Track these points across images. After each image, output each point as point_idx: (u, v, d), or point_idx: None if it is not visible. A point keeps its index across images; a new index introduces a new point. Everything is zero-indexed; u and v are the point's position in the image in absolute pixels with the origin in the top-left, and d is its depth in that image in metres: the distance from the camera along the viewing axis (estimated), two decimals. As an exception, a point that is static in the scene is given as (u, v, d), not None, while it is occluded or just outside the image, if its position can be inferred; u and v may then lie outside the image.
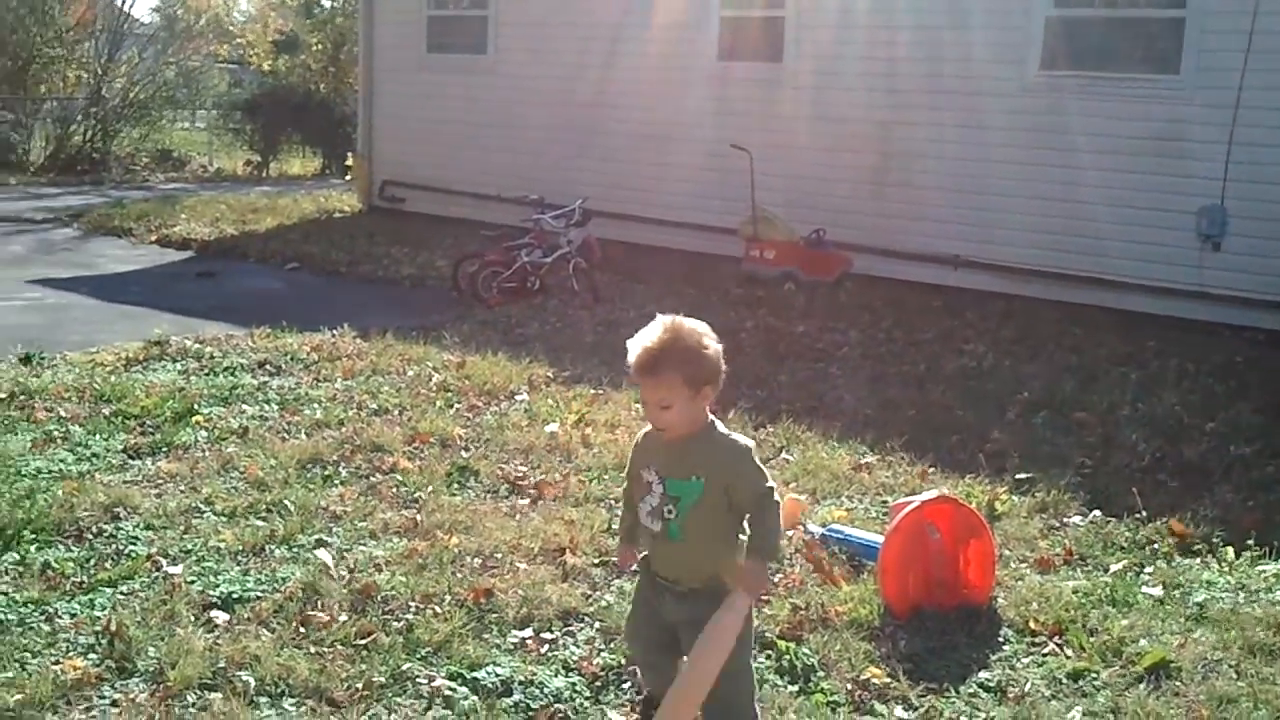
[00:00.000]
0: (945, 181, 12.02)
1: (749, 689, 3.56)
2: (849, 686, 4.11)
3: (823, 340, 9.80)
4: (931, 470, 6.43)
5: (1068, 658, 4.38)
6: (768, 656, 4.25)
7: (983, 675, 4.25)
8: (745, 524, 3.43)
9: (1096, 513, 5.87)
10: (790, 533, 5.28)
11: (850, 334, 10.01)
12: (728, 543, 3.43)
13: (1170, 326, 10.38)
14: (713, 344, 3.36)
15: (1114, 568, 5.25)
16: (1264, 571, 5.22)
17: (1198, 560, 5.38)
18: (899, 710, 3.98)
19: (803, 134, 12.93)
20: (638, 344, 3.35)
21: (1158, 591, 5.00)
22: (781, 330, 10.06)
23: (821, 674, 4.18)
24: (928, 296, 11.41)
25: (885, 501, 5.89)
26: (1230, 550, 5.39)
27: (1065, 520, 5.82)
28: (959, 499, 5.14)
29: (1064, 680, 4.21)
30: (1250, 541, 5.43)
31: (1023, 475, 6.30)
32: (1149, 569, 5.27)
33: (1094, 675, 4.24)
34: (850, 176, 12.57)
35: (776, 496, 3.40)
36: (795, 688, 4.08)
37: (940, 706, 4.00)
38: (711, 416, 3.44)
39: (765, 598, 4.58)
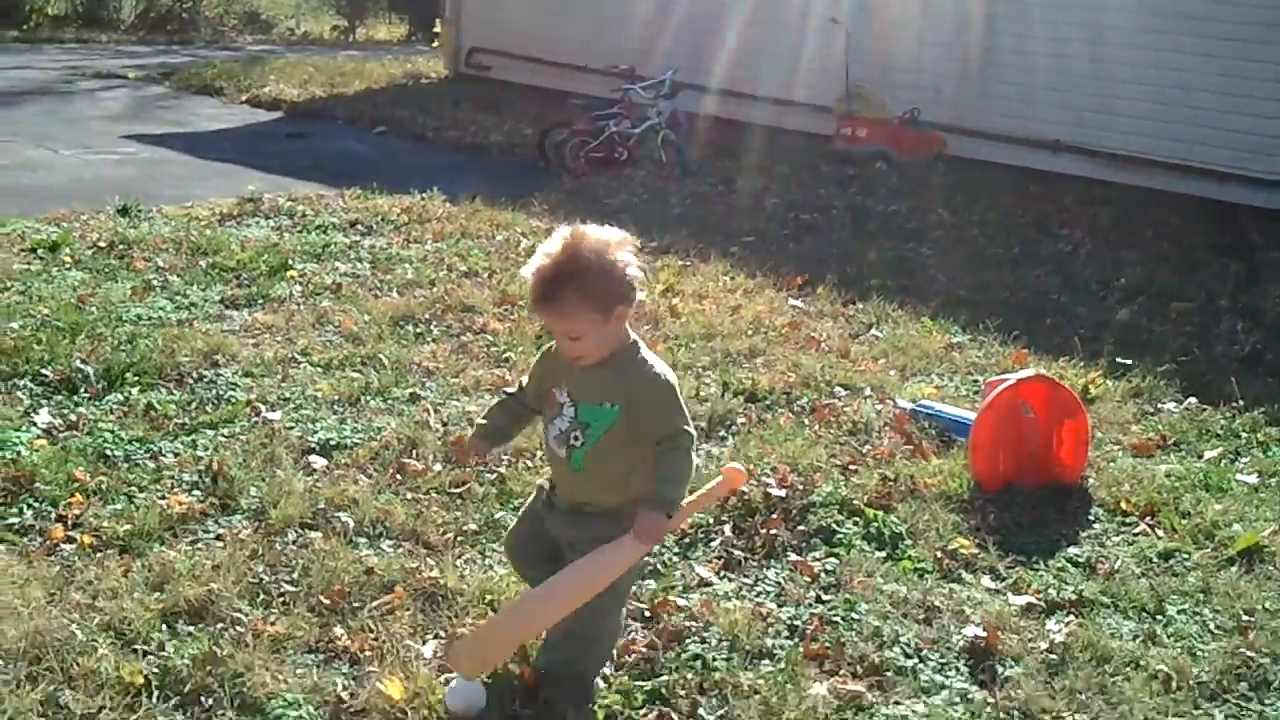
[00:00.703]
0: (1049, 63, 11.63)
1: (613, 633, 3.31)
2: (936, 555, 4.12)
3: (914, 220, 9.65)
4: (1025, 352, 6.35)
5: (1159, 538, 4.35)
6: (855, 523, 4.27)
7: (1071, 551, 4.23)
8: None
9: (1192, 400, 5.78)
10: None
11: (943, 215, 9.84)
12: (635, 477, 3.06)
13: (1273, 220, 10.07)
14: (623, 255, 2.94)
15: (1208, 454, 5.18)
16: (1364, 464, 5.12)
17: (1295, 451, 5.29)
18: (986, 580, 3.99)
19: (900, 8, 12.57)
20: (535, 269, 2.94)
21: (1253, 479, 4.94)
22: (872, 209, 9.93)
23: (909, 542, 4.19)
24: (1024, 180, 11.15)
25: (976, 381, 5.84)
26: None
27: (1160, 406, 5.74)
28: (1054, 379, 5.08)
29: (1154, 559, 4.19)
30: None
31: (1118, 361, 6.19)
32: (1244, 458, 5.21)
33: (1185, 556, 4.21)
34: (949, 55, 12.23)
35: (693, 445, 3.05)
36: (882, 554, 4.10)
37: (1028, 578, 4.01)
38: (634, 336, 3.06)
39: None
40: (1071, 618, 3.77)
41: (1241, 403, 5.69)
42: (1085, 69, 11.41)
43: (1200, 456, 5.17)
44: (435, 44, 19.84)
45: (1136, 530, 4.42)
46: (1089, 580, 4.03)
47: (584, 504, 3.16)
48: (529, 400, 3.26)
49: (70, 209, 8.18)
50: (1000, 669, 3.47)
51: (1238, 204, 10.41)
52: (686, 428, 3.04)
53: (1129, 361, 6.18)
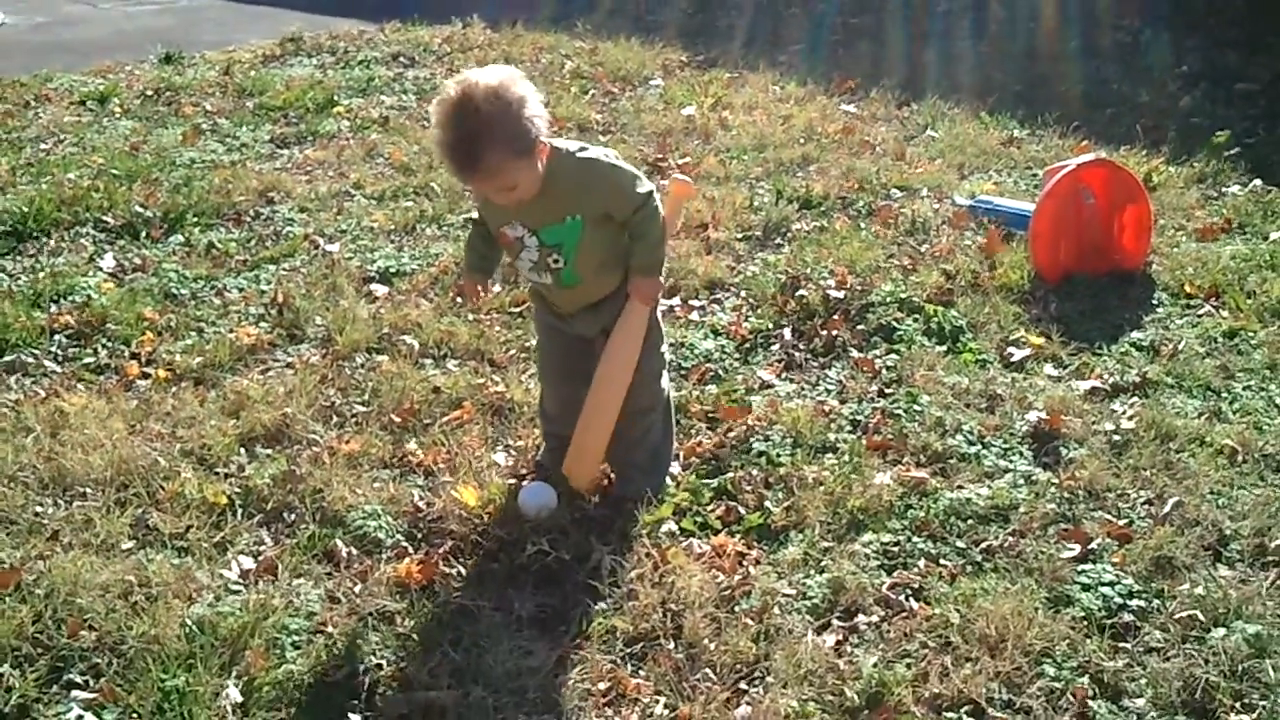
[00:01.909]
0: None
1: (668, 438, 3.36)
2: (998, 345, 4.12)
3: (967, 17, 9.35)
4: (1085, 143, 6.20)
5: (1223, 318, 4.30)
6: (914, 320, 4.26)
7: (1135, 335, 4.21)
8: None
9: (1258, 182, 5.63)
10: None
11: (999, 11, 9.51)
12: (625, 252, 3.12)
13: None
14: (516, 90, 2.78)
15: (1274, 235, 5.07)
16: None
17: (1366, 226, 5.17)
18: (1049, 368, 3.99)
19: None
20: (443, 141, 2.80)
21: (1321, 257, 4.84)
22: (923, 7, 9.61)
23: (970, 335, 4.19)
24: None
25: (1035, 175, 5.73)
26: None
27: (1224, 190, 5.61)
28: (1116, 162, 4.97)
29: (1219, 339, 4.15)
30: None
31: (1182, 151, 6.04)
32: (1312, 237, 5.10)
33: (1250, 334, 4.16)
34: None
35: (655, 199, 3.06)
36: (943, 347, 4.10)
37: (1091, 363, 4.00)
38: (552, 142, 2.92)
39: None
40: (1135, 399, 3.77)
41: (1311, 183, 5.55)
42: None
43: (1266, 238, 5.06)
44: None
45: (1201, 312, 4.37)
46: (1153, 363, 4.01)
47: (593, 302, 3.19)
48: (497, 241, 3.18)
49: (114, 60, 8.18)
50: (1064, 451, 3.49)
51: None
52: (644, 189, 3.05)
53: (1192, 147, 6.01)
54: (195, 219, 5.28)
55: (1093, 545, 3.05)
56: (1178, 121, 6.56)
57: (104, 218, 5.24)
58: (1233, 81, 7.38)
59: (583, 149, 3.04)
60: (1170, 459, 3.43)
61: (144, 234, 5.12)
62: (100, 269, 4.80)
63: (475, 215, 3.27)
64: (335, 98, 7.14)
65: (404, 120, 6.74)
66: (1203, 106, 6.91)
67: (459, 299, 4.34)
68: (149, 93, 7.32)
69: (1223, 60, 7.85)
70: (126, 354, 4.12)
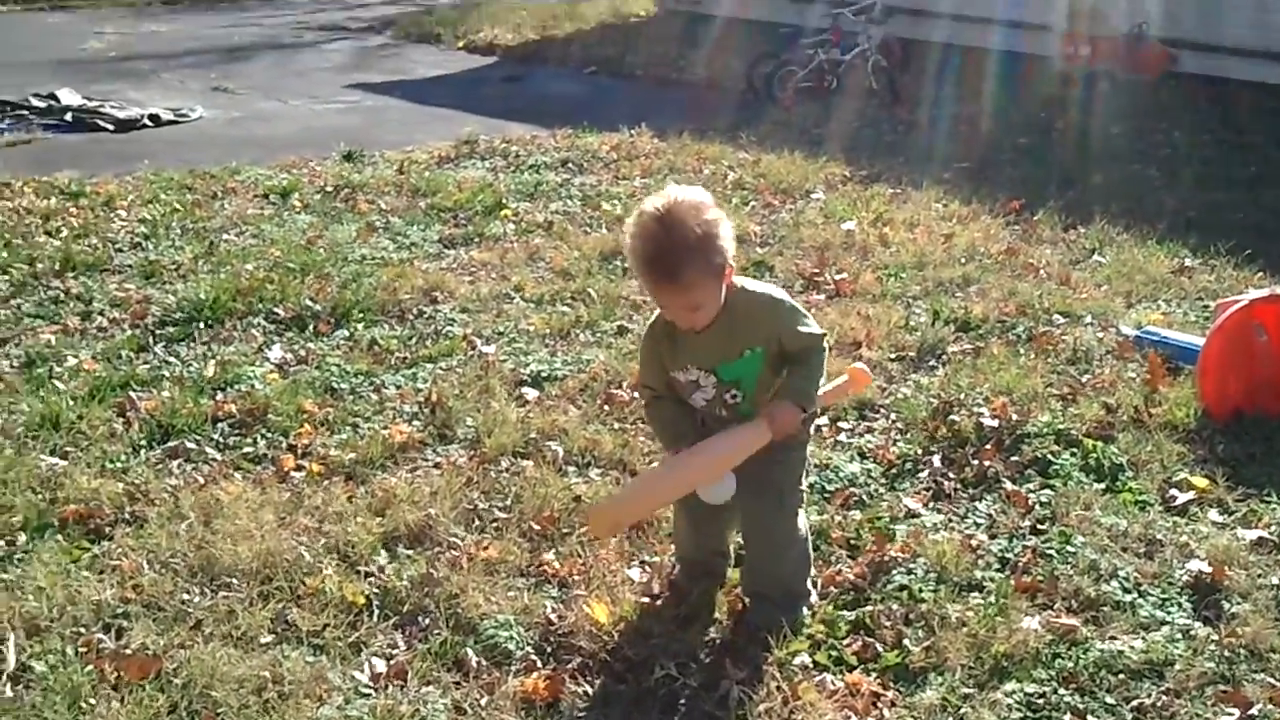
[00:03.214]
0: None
1: (803, 555, 3.28)
2: (1159, 486, 3.95)
3: (1141, 141, 9.20)
4: (1261, 276, 5.98)
5: None
6: (1072, 454, 4.12)
7: (1309, 483, 3.99)
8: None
9: None
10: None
11: (1173, 134, 9.34)
12: None
13: None
14: (713, 211, 2.90)
15: None
16: None
17: None
18: (1213, 514, 3.80)
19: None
20: (644, 253, 2.87)
21: None
22: (1096, 130, 9.50)
23: (1130, 474, 4.02)
24: (1260, 96, 10.42)
25: (1206, 306, 5.53)
26: None
27: None
28: (1292, 299, 4.77)
29: (1403, 492, 3.91)
30: None
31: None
32: None
33: None
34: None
35: (825, 344, 3.11)
36: (1101, 486, 3.95)
37: (1259, 511, 3.79)
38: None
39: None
40: (1307, 553, 3.56)
41: None
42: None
43: None
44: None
45: (1383, 462, 4.13)
46: (1328, 514, 3.79)
47: None
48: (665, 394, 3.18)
49: (299, 156, 8.58)
50: (1227, 605, 3.30)
51: None
52: (818, 330, 3.11)
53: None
54: (361, 314, 5.45)
55: (1253, 710, 2.87)
56: (1363, 256, 6.28)
57: (275, 309, 5.46)
58: None
59: (753, 284, 3.12)
60: (1344, 621, 3.22)
61: (312, 327, 5.31)
62: (268, 359, 4.99)
63: (648, 393, 3.22)
64: (504, 200, 7.35)
65: (567, 225, 6.88)
66: (1391, 241, 6.61)
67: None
68: (328, 188, 7.64)
69: None
70: (284, 445, 4.25)
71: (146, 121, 9.98)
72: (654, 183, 7.79)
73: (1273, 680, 3.00)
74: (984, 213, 7.12)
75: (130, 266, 6.08)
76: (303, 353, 5.05)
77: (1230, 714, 2.87)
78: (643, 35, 15.22)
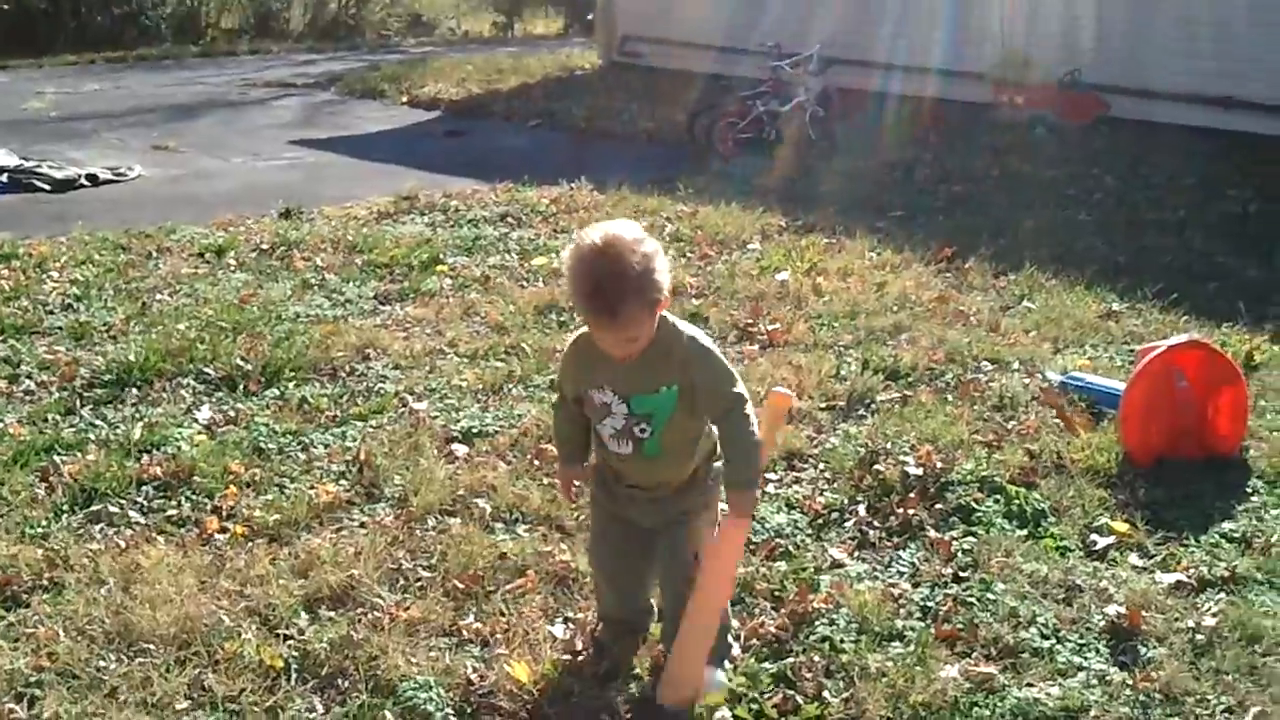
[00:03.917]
0: (1214, 14, 11.09)
1: (726, 619, 3.27)
2: (1080, 531, 3.99)
3: (1074, 186, 9.37)
4: (1186, 319, 6.09)
5: (1323, 510, 4.12)
6: (996, 501, 4.16)
7: (1226, 525, 4.05)
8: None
9: (1371, 362, 5.46)
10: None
11: (1105, 180, 9.53)
12: (704, 438, 3.12)
13: None
14: (650, 244, 2.87)
15: (1386, 420, 4.88)
16: None
17: None
18: (1133, 557, 3.85)
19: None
20: (583, 288, 2.84)
21: None
22: (1030, 176, 9.67)
23: (1053, 519, 4.07)
24: (1193, 141, 10.64)
25: (1132, 350, 5.61)
26: None
27: (1333, 371, 5.43)
28: (1211, 344, 4.85)
29: (1317, 533, 3.97)
30: None
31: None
32: None
33: (1352, 529, 3.98)
34: (1109, 12, 11.77)
35: (749, 406, 3.01)
36: (1024, 532, 3.99)
37: (1178, 554, 3.85)
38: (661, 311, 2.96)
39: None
40: (1222, 595, 3.61)
41: None
42: (1250, 18, 10.84)
43: (1377, 422, 4.87)
44: (592, 37, 20.02)
45: (1299, 502, 4.20)
46: (1244, 556, 3.84)
47: (662, 483, 3.16)
48: (574, 406, 3.19)
49: (237, 214, 8.55)
50: (1143, 650, 3.34)
51: None
52: (739, 390, 3.02)
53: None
54: (293, 373, 5.42)
55: (1166, 756, 2.90)
56: (1286, 297, 6.41)
57: (206, 369, 5.42)
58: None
59: (683, 324, 3.08)
60: (1255, 663, 3.26)
61: (242, 387, 5.28)
62: (196, 420, 4.95)
63: (559, 396, 3.25)
64: (441, 256, 7.35)
65: (504, 279, 6.90)
66: (1314, 282, 6.75)
67: (563, 495, 3.64)
68: (265, 246, 7.62)
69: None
70: (209, 507, 4.21)
71: (84, 181, 9.92)
72: (592, 236, 7.83)
73: (1186, 724, 3.03)
74: (916, 261, 7.22)
75: (60, 328, 6.02)
76: (232, 413, 5.01)
77: (1143, 759, 2.89)
78: (587, 88, 15.35)
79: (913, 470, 4.33)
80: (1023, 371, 5.40)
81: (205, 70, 18.53)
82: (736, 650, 3.33)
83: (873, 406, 5.04)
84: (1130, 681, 3.19)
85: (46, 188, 9.67)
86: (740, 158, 10.62)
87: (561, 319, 6.18)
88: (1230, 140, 10.55)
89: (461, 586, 3.66)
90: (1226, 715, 3.07)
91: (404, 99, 15.22)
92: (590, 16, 20.40)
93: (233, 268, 7.21)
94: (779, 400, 3.26)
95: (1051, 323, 6.09)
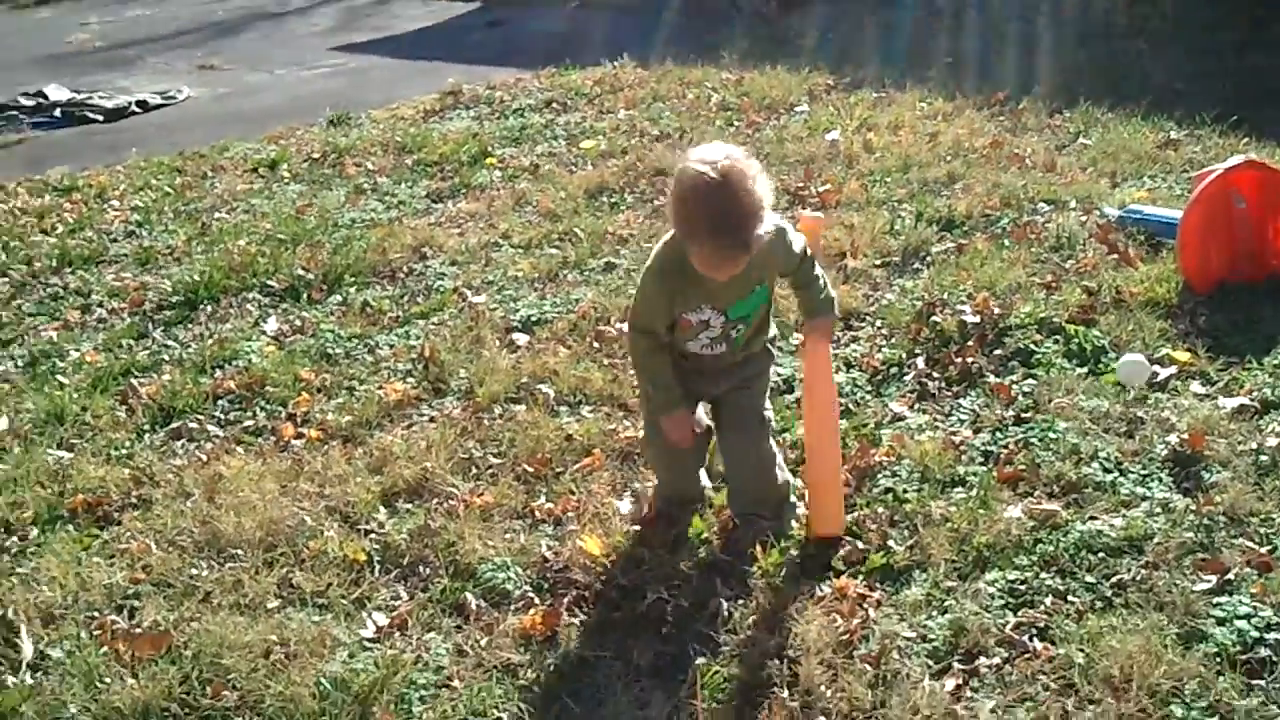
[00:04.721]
0: None
1: (781, 467, 3.39)
2: (1142, 365, 3.98)
3: (1130, 13, 9.06)
4: (1247, 141, 5.95)
5: (1392, 323, 4.06)
6: (1055, 341, 4.16)
7: (1291, 346, 4.01)
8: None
9: None
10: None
11: (1163, 4, 9.19)
12: (772, 312, 3.32)
13: None
14: (755, 168, 2.87)
15: None
16: None
17: None
18: (1195, 385, 3.83)
19: None
20: (711, 220, 2.82)
21: None
22: (1083, 9, 9.37)
23: (1113, 355, 4.05)
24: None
25: (1190, 177, 5.50)
26: None
27: (1402, 180, 5.28)
28: (1268, 163, 4.74)
29: (1386, 346, 3.92)
30: None
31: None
32: None
33: None
34: None
35: (810, 252, 3.20)
36: (1085, 370, 3.99)
37: (1241, 379, 3.82)
38: None
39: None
40: (1288, 415, 3.59)
41: None
42: None
43: None
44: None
45: (1367, 317, 4.14)
46: (1310, 375, 3.81)
47: (739, 361, 3.26)
48: (666, 340, 3.19)
49: (286, 126, 8.61)
50: (1206, 475, 3.35)
51: None
52: (802, 244, 3.19)
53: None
54: (353, 278, 5.52)
55: (1230, 576, 2.93)
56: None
57: (269, 282, 5.53)
58: None
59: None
60: (1323, 479, 3.26)
61: (305, 296, 5.38)
62: (264, 333, 5.07)
63: (647, 336, 3.16)
64: (489, 149, 7.37)
65: (553, 166, 6.90)
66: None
67: (680, 445, 3.31)
68: (316, 156, 7.68)
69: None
70: (283, 415, 4.34)
71: (135, 108, 10.02)
72: (639, 114, 7.79)
73: (1251, 544, 3.05)
74: (968, 107, 7.09)
75: (126, 255, 6.16)
76: (298, 322, 5.12)
77: (1208, 580, 2.93)
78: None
79: (970, 318, 4.33)
80: (1080, 210, 5.32)
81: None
82: (801, 508, 3.39)
83: (928, 259, 5.02)
84: (1194, 507, 3.21)
85: (99, 118, 9.78)
86: (784, 18, 10.42)
87: (613, 200, 6.20)
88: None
89: (531, 470, 3.76)
90: (1292, 532, 3.08)
91: (442, -7, 15.07)
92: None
93: (286, 180, 7.28)
94: (810, 225, 3.38)
95: (1108, 157, 5.98)
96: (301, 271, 5.60)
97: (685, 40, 9.75)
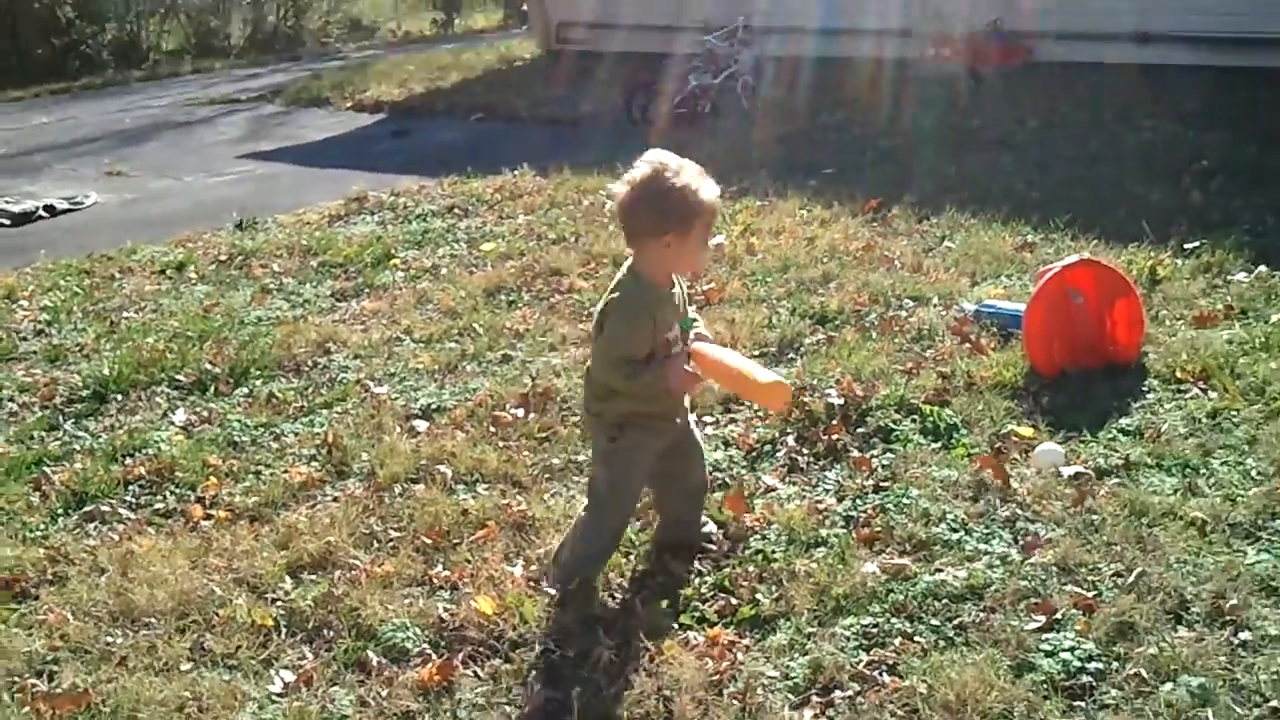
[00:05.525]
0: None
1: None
2: (989, 439, 4.38)
3: (997, 130, 9.74)
4: (1096, 243, 6.48)
5: (1210, 400, 4.51)
6: (912, 420, 4.55)
7: (1123, 421, 4.44)
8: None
9: (1263, 268, 5.85)
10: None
11: (1027, 122, 9.91)
12: None
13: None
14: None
15: (1275, 318, 5.28)
16: None
17: (1367, 308, 5.35)
18: (1037, 457, 4.23)
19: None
20: (710, 195, 3.34)
21: (1317, 336, 5.04)
22: (955, 126, 10.04)
23: (963, 431, 4.45)
24: (1112, 77, 11.02)
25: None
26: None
27: (1229, 278, 5.84)
28: (1101, 260, 5.24)
29: (1202, 419, 4.36)
30: None
31: (1190, 244, 6.26)
32: (1314, 318, 5.28)
33: (1234, 413, 4.37)
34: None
35: None
36: (938, 444, 4.38)
37: (1078, 450, 4.24)
38: None
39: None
40: (1116, 480, 4.00)
41: (1316, 265, 5.75)
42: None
43: (1266, 321, 5.27)
44: (526, 26, 20.30)
45: (1189, 395, 4.59)
46: (1137, 445, 4.23)
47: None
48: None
49: (194, 230, 8.84)
50: (1042, 532, 3.73)
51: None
52: None
53: (1201, 241, 6.24)
54: (259, 372, 5.75)
55: (1058, 616, 3.29)
56: (1189, 216, 6.80)
57: (177, 376, 5.74)
58: (1249, 174, 7.63)
59: None
60: (1142, 533, 3.65)
61: (212, 389, 5.60)
62: (173, 423, 5.27)
63: (632, 364, 3.40)
64: (392, 251, 7.68)
65: (454, 267, 7.23)
66: (1215, 200, 7.16)
67: (688, 388, 3.64)
68: (223, 258, 7.93)
69: (1241, 154, 8.10)
70: (192, 498, 4.54)
71: (42, 213, 10.18)
72: (536, 219, 8.19)
73: (1079, 589, 3.42)
74: (844, 214, 7.59)
75: (35, 352, 6.32)
76: (205, 413, 5.34)
77: (1038, 620, 3.28)
78: (527, 78, 15.67)
79: (836, 400, 4.71)
80: (940, 305, 5.78)
81: (150, 93, 18.76)
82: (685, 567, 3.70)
83: (801, 349, 5.42)
84: (1030, 559, 3.57)
85: (6, 222, 9.93)
86: (677, 132, 10.95)
87: (511, 299, 6.54)
88: (1146, 73, 10.94)
89: (430, 542, 4.02)
90: (1115, 579, 3.45)
91: (348, 104, 15.49)
92: (525, 6, 20.67)
93: (194, 281, 7.51)
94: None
95: (969, 258, 6.48)
96: (209, 366, 5.82)
97: (584, 151, 10.21)
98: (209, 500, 4.51)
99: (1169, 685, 2.97)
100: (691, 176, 3.31)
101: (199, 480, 4.65)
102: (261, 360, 5.86)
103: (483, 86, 15.53)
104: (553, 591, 3.61)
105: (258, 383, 5.65)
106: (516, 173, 9.54)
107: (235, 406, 5.41)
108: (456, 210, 8.72)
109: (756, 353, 5.42)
